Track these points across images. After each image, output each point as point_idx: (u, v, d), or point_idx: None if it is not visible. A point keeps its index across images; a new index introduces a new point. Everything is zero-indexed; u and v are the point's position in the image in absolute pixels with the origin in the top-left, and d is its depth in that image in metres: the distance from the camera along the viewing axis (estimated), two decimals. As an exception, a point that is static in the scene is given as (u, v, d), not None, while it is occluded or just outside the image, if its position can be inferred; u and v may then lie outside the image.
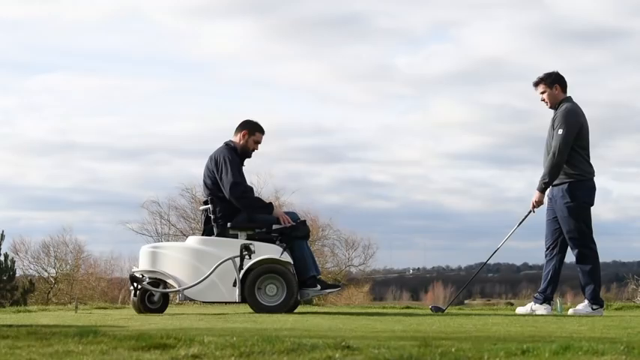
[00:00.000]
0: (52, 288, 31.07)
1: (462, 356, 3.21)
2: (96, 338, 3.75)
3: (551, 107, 7.46)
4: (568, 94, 7.46)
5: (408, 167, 78.77)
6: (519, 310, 7.52)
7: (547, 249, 7.47)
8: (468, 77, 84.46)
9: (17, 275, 25.92)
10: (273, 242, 7.24)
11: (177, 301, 8.53)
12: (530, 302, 7.55)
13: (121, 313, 7.48)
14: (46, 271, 32.61)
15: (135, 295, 7.27)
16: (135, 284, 7.25)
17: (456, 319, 6.36)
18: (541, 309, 7.30)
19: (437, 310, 7.60)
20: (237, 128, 7.55)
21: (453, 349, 3.34)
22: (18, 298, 22.59)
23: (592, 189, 7.41)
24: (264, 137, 7.58)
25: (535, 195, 7.40)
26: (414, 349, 3.37)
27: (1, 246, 24.37)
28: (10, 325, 4.92)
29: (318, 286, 7.26)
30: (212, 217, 7.36)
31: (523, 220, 7.56)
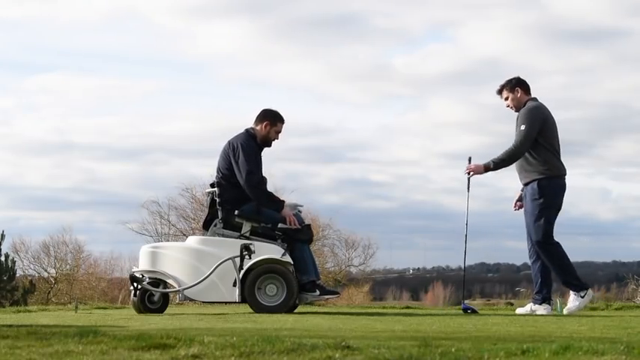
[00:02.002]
0: (52, 288, 31.07)
1: (462, 356, 3.21)
2: (96, 338, 3.75)
3: (516, 111, 7.51)
4: (533, 96, 7.50)
5: (406, 167, 78.61)
6: (519, 310, 7.52)
7: (530, 250, 7.48)
8: (465, 77, 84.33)
9: (17, 275, 25.93)
10: (275, 240, 7.23)
11: (177, 301, 8.53)
12: (529, 303, 7.55)
13: (121, 313, 7.48)
14: (46, 271, 32.64)
15: (135, 295, 7.27)
16: (135, 284, 7.25)
17: (455, 319, 6.36)
18: (541, 309, 7.30)
19: (468, 310, 7.49)
20: (257, 118, 7.53)
21: (453, 349, 3.34)
22: (18, 299, 22.59)
23: (562, 188, 7.41)
24: (284, 126, 7.59)
25: (477, 166, 7.47)
26: (414, 349, 3.37)
27: (1, 246, 24.39)
28: (10, 325, 4.92)
29: (317, 292, 7.26)
30: (217, 200, 7.35)
31: (469, 186, 7.67)
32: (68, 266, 32.71)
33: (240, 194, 7.28)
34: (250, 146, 7.37)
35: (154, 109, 68.78)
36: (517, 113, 7.49)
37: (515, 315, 7.17)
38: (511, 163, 7.39)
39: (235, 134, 7.53)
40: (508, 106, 7.54)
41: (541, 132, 7.31)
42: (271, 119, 7.51)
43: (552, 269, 7.36)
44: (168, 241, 26.65)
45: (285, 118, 7.59)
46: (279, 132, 7.56)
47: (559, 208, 7.42)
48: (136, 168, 60.59)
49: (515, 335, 4.49)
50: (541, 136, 7.31)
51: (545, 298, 7.38)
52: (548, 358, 3.19)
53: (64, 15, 67.58)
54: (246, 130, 7.51)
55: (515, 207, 7.71)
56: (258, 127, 7.50)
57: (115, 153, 61.74)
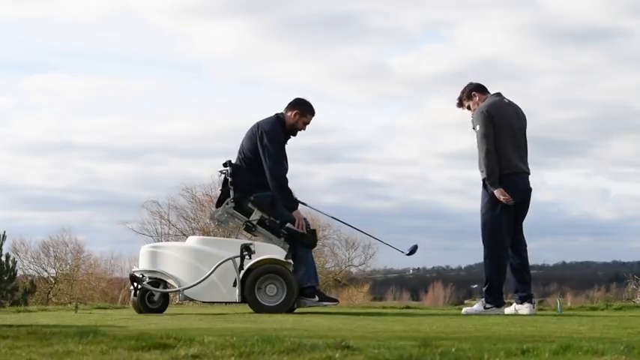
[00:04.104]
0: (52, 288, 31.11)
1: (462, 356, 3.21)
2: (96, 338, 3.75)
3: None
4: (491, 93, 7.45)
5: (405, 167, 78.65)
6: (507, 310, 7.48)
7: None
8: (462, 77, 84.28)
9: (17, 275, 25.95)
10: (279, 237, 7.21)
11: (177, 301, 8.53)
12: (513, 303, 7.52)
13: (121, 313, 7.48)
14: (46, 271, 32.67)
15: (135, 294, 7.27)
16: (135, 284, 7.25)
17: (455, 319, 6.36)
18: (523, 308, 7.28)
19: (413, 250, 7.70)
20: (289, 105, 7.46)
21: (453, 349, 3.34)
22: (18, 299, 22.61)
23: (509, 185, 7.26)
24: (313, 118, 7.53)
25: (495, 193, 7.24)
26: (414, 349, 3.38)
27: (2, 246, 24.41)
28: (10, 325, 4.92)
29: (316, 297, 7.25)
30: (230, 179, 7.32)
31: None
32: (68, 266, 32.74)
33: (257, 179, 7.23)
34: (279, 134, 7.32)
35: (152, 109, 68.93)
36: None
37: (516, 315, 7.16)
38: (493, 163, 7.19)
39: (256, 121, 7.43)
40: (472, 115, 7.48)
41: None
42: (301, 109, 7.44)
43: (485, 268, 7.33)
44: (168, 241, 26.67)
45: (315, 110, 7.51)
46: (307, 123, 7.49)
47: (507, 206, 7.26)
48: (134, 168, 60.76)
49: (515, 335, 4.49)
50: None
51: (524, 297, 7.35)
52: (548, 358, 3.20)
53: (61, 15, 67.80)
54: (277, 116, 7.43)
55: None
56: (288, 114, 7.44)
57: (114, 153, 61.91)
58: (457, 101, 7.55)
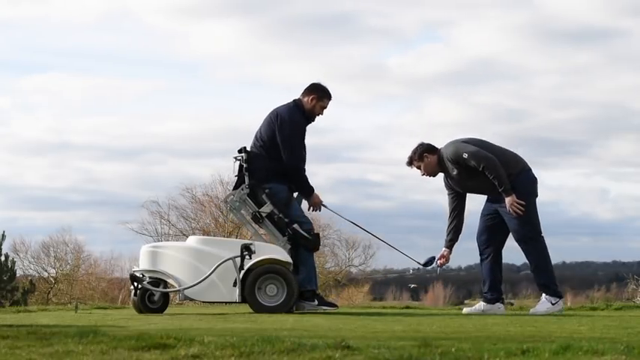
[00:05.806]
0: (52, 288, 31.11)
1: (462, 356, 3.21)
2: (96, 338, 3.75)
3: (434, 176, 7.46)
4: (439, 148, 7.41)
5: (404, 167, 78.44)
6: (466, 310, 7.44)
7: (482, 248, 7.43)
8: (459, 77, 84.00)
9: (17, 275, 25.97)
10: (284, 235, 7.21)
11: (177, 301, 8.53)
12: (479, 301, 7.51)
13: (121, 313, 7.49)
14: (46, 271, 32.68)
15: (135, 294, 7.27)
16: (135, 284, 7.25)
17: (455, 319, 6.36)
18: (494, 308, 7.29)
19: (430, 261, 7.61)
20: (306, 90, 7.37)
21: (453, 349, 3.35)
22: (18, 299, 22.62)
23: (534, 180, 7.35)
24: (330, 103, 7.44)
25: (508, 200, 7.12)
26: (414, 349, 3.38)
27: (2, 246, 24.41)
28: (10, 325, 4.93)
29: (316, 301, 7.24)
30: (245, 165, 7.25)
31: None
32: (68, 266, 32.74)
33: (275, 167, 7.18)
34: (298, 122, 7.25)
35: (149, 109, 68.77)
36: (434, 176, 7.46)
37: (515, 315, 7.16)
38: (501, 170, 7.09)
39: (275, 108, 7.36)
40: (423, 175, 7.45)
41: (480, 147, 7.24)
42: (319, 94, 7.36)
43: (533, 267, 7.32)
44: (168, 241, 26.67)
45: (332, 95, 7.42)
46: (325, 108, 7.40)
47: (536, 196, 7.33)
48: (132, 168, 60.64)
49: (515, 335, 4.50)
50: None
51: (498, 298, 7.37)
52: (548, 358, 3.20)
53: (58, 15, 67.69)
54: (294, 102, 7.35)
55: (438, 264, 7.57)
56: (305, 100, 7.36)
57: (112, 153, 61.77)
58: (408, 160, 7.49)
